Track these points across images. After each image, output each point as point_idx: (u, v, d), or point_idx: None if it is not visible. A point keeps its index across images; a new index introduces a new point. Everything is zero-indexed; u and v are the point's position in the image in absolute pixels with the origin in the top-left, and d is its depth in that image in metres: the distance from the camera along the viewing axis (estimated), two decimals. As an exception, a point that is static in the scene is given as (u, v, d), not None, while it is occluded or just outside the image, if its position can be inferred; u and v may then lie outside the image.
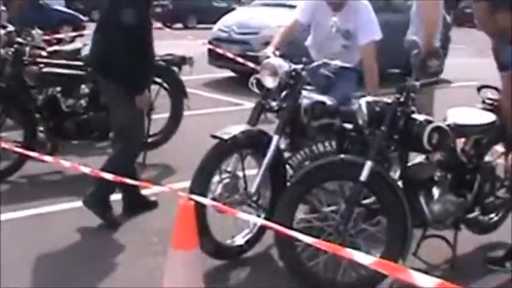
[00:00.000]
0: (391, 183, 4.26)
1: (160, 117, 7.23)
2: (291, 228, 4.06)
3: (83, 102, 6.65)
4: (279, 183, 4.71)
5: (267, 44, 5.59)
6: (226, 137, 4.49)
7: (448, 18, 7.15)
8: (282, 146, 4.86)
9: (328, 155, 4.52)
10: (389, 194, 4.24)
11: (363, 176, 4.16)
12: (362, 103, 4.36)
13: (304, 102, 4.79)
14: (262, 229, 4.73)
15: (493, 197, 4.94)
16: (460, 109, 4.92)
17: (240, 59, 10.30)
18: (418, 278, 2.81)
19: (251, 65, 8.69)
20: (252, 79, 4.83)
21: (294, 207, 4.28)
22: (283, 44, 5.30)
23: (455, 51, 11.84)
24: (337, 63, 4.98)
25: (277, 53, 4.96)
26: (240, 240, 4.77)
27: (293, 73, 4.73)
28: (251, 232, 4.78)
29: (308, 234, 3.42)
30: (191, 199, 3.51)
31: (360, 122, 4.38)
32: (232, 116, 6.26)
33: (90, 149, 7.02)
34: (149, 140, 6.99)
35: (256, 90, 4.80)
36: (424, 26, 5.95)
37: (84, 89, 6.66)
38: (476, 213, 4.86)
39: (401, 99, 4.29)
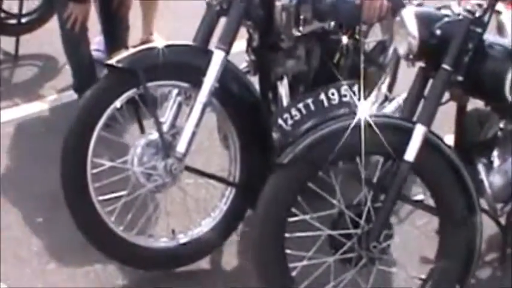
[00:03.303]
0: (453, 161, 2.49)
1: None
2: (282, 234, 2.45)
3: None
4: (255, 147, 2.87)
5: None
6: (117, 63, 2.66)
7: None
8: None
9: (342, 108, 2.63)
10: (449, 179, 2.49)
11: (411, 152, 2.37)
12: (406, 15, 2.48)
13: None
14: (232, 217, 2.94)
15: None
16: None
17: None
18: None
19: None
20: None
21: (290, 201, 2.46)
22: None
23: None
24: None
25: None
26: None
27: None
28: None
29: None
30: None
31: (400, 50, 2.52)
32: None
33: None
34: (22, 20, 4.87)
35: None
36: None
37: None
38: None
39: (478, 14, 2.44)
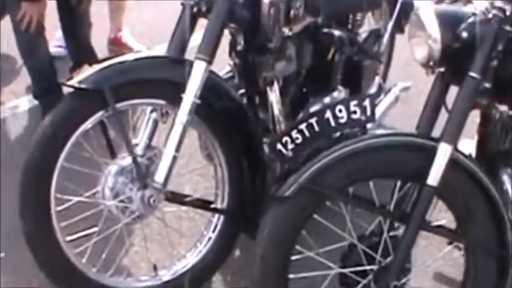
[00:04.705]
0: (483, 183, 2.12)
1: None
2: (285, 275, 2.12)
3: None
4: (244, 164, 2.51)
5: None
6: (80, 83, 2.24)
7: None
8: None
9: (351, 127, 2.22)
10: (478, 203, 2.13)
11: (434, 176, 2.00)
12: (425, 15, 2.08)
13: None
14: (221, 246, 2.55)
15: None
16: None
17: None
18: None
19: None
20: None
21: (294, 238, 2.09)
22: None
23: None
24: None
25: None
26: None
27: None
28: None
29: None
30: None
31: (418, 56, 2.13)
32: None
33: None
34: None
35: None
36: None
37: None
38: None
39: (508, 12, 2.05)
